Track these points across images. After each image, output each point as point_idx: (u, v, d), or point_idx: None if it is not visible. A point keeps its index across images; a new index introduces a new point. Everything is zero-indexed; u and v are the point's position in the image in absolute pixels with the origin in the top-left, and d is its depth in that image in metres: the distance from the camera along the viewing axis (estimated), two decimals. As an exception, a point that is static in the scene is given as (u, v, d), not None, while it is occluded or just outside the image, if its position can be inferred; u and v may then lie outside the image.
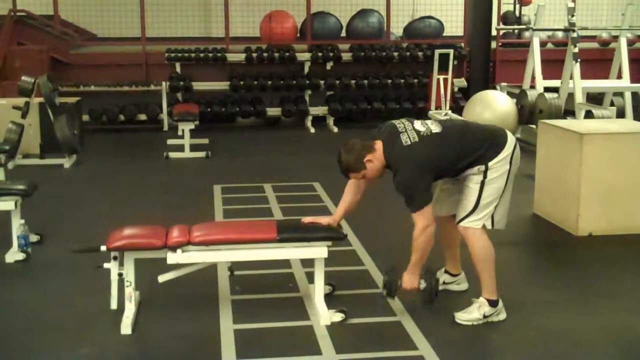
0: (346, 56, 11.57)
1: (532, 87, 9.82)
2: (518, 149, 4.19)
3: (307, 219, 4.34)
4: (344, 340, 3.95)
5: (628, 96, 10.20)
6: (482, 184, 4.08)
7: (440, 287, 4.58)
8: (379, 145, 4.07)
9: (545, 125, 6.54)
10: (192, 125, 9.10)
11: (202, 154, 8.96)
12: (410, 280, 4.15)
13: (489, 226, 4.15)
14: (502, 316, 4.21)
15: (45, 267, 5.13)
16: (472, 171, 4.08)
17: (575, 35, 9.27)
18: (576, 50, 9.20)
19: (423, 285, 4.19)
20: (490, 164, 4.06)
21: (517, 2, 13.81)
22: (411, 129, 4.07)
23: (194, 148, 9.05)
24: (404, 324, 4.15)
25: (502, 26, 12.52)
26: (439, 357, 3.75)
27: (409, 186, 4.00)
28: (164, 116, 10.93)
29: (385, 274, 4.26)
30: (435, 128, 4.12)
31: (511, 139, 4.18)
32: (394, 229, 5.90)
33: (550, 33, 12.73)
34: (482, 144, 4.09)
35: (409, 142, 4.01)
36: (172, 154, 8.93)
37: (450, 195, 4.34)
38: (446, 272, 4.62)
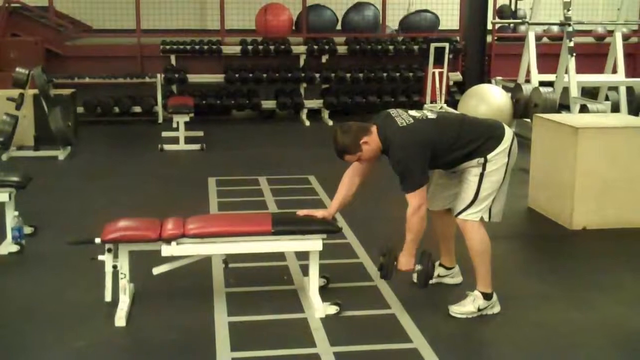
0: (342, 49, 11.55)
1: (528, 81, 9.83)
2: (515, 141, 4.19)
3: (302, 212, 4.34)
4: (338, 332, 3.96)
5: (623, 91, 10.20)
6: (481, 176, 4.08)
7: (435, 280, 4.61)
8: (374, 128, 4.08)
9: (540, 119, 6.54)
10: (187, 118, 9.08)
11: (197, 147, 8.94)
12: (405, 261, 4.12)
13: (486, 219, 4.16)
14: (497, 309, 4.22)
15: (40, 259, 5.12)
16: (471, 164, 4.08)
17: (570, 29, 9.28)
18: (571, 44, 9.21)
19: (419, 267, 4.16)
20: (489, 156, 4.07)
21: (512, -4, 13.81)
22: (406, 115, 4.13)
23: (188, 140, 9.04)
24: (398, 316, 4.16)
25: (497, 20, 12.51)
26: (433, 350, 3.76)
27: (405, 166, 3.99)
28: (159, 108, 10.90)
29: (381, 255, 4.20)
30: (431, 115, 4.19)
31: (509, 132, 4.19)
32: (389, 222, 5.90)
33: (545, 27, 12.73)
34: (480, 135, 4.09)
35: (404, 124, 4.05)
36: (167, 146, 8.92)
37: (445, 189, 4.35)
38: (441, 265, 4.62)
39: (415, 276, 4.47)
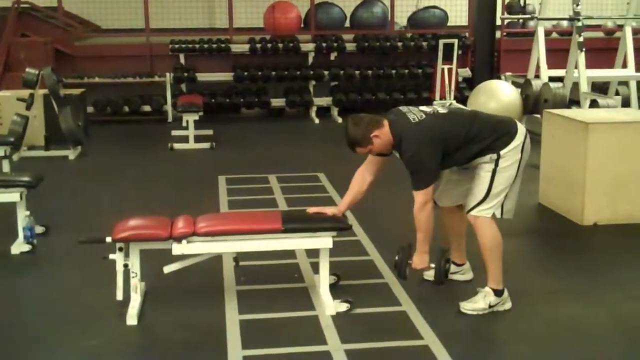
0: (350, 46, 11.55)
1: (537, 76, 9.79)
2: (528, 138, 4.19)
3: (312, 210, 4.34)
4: (349, 330, 3.96)
5: (633, 85, 10.15)
6: (494, 172, 4.08)
7: (446, 277, 4.61)
8: (386, 122, 4.08)
9: (550, 114, 6.52)
10: (196, 116, 9.11)
11: (206, 145, 8.96)
12: (420, 260, 4.12)
13: (498, 215, 4.15)
14: (508, 306, 4.22)
15: (51, 258, 5.15)
16: (484, 160, 4.08)
17: (580, 24, 9.23)
18: (581, 39, 9.16)
19: (433, 265, 4.16)
20: (502, 152, 4.06)
21: (521, -9, 13.76)
22: (417, 110, 4.14)
23: (198, 139, 9.05)
24: (409, 313, 4.15)
25: (506, 15, 12.46)
26: (445, 347, 3.76)
27: (417, 163, 4.00)
28: (168, 107, 10.93)
29: (396, 254, 4.22)
30: (442, 110, 4.21)
31: (522, 129, 4.18)
32: (399, 220, 5.89)
33: (555, 22, 12.67)
34: (494, 131, 4.09)
35: (416, 120, 4.06)
36: (177, 145, 8.94)
37: (457, 186, 4.34)
38: (451, 262, 4.61)
39: (428, 274, 4.48)
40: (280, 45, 11.30)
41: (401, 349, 3.79)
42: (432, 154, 3.99)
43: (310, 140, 9.88)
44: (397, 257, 4.21)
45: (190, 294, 4.44)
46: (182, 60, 11.28)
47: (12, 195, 5.18)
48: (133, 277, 4.14)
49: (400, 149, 4.06)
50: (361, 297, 4.30)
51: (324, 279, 4.25)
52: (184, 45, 11.26)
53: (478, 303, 4.16)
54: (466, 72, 11.57)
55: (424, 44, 11.60)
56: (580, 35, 9.17)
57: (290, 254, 4.92)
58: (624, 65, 10.17)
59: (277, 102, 11.28)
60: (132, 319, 4.05)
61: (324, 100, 11.34)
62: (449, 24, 12.65)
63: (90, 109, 10.41)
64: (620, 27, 10.81)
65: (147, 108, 11.00)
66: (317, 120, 11.00)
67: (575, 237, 5.64)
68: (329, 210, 4.31)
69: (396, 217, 5.93)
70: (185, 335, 3.96)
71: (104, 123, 10.68)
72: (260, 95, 11.19)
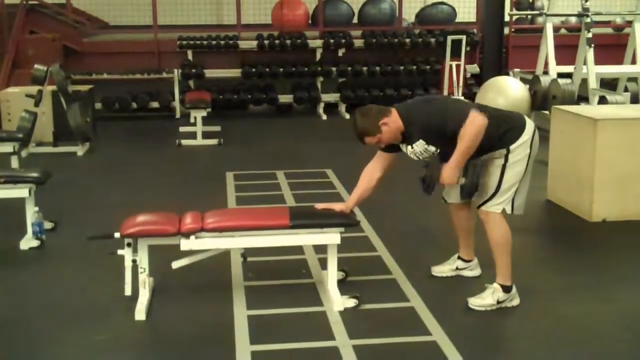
0: (358, 43, 11.53)
1: (546, 72, 9.76)
2: (537, 133, 4.17)
3: (320, 206, 4.34)
4: (357, 325, 3.96)
5: (642, 81, 10.13)
6: (504, 167, 4.07)
7: (453, 273, 4.60)
8: (394, 110, 4.08)
9: (558, 111, 6.50)
10: (204, 113, 9.12)
11: (214, 141, 8.97)
12: (450, 173, 3.99)
13: (508, 211, 4.15)
14: (516, 302, 4.21)
15: (60, 254, 5.17)
16: (493, 155, 4.07)
17: (588, 20, 9.21)
18: (590, 35, 9.14)
19: (463, 180, 4.03)
20: (512, 147, 4.05)
21: (530, -13, 13.71)
22: None
23: (206, 135, 9.06)
24: (417, 309, 4.15)
25: (515, 12, 12.42)
26: (452, 343, 3.75)
27: (439, 114, 4.01)
28: (176, 104, 10.94)
29: (424, 166, 4.06)
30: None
31: (530, 123, 4.18)
32: (407, 216, 5.91)
33: (563, 18, 12.64)
34: (502, 124, 4.07)
35: (423, 96, 4.14)
36: (185, 142, 8.95)
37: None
38: (459, 258, 4.61)
39: (437, 269, 4.46)
40: (288, 41, 11.29)
41: (409, 344, 3.79)
42: (446, 102, 4.09)
43: (317, 136, 9.87)
44: (425, 169, 4.02)
45: (198, 290, 4.45)
46: (190, 57, 11.29)
47: (21, 191, 5.21)
48: (141, 272, 4.15)
49: (415, 128, 4.00)
50: (369, 293, 4.30)
51: (332, 274, 4.26)
52: (191, 42, 11.26)
53: (486, 299, 4.16)
54: (474, 68, 11.54)
55: (432, 40, 11.56)
56: (589, 32, 9.14)
57: (298, 249, 4.93)
58: (633, 62, 10.15)
59: (285, 98, 11.27)
60: (140, 314, 4.06)
61: (331, 97, 11.33)
62: (457, 20, 12.62)
63: (98, 106, 10.42)
64: (630, 23, 10.77)
65: (155, 104, 11.01)
66: (324, 117, 11.00)
67: (584, 233, 5.63)
68: (337, 207, 4.31)
69: (404, 213, 5.94)
70: (194, 330, 3.97)
71: (112, 119, 10.70)
72: (268, 92, 11.19)
